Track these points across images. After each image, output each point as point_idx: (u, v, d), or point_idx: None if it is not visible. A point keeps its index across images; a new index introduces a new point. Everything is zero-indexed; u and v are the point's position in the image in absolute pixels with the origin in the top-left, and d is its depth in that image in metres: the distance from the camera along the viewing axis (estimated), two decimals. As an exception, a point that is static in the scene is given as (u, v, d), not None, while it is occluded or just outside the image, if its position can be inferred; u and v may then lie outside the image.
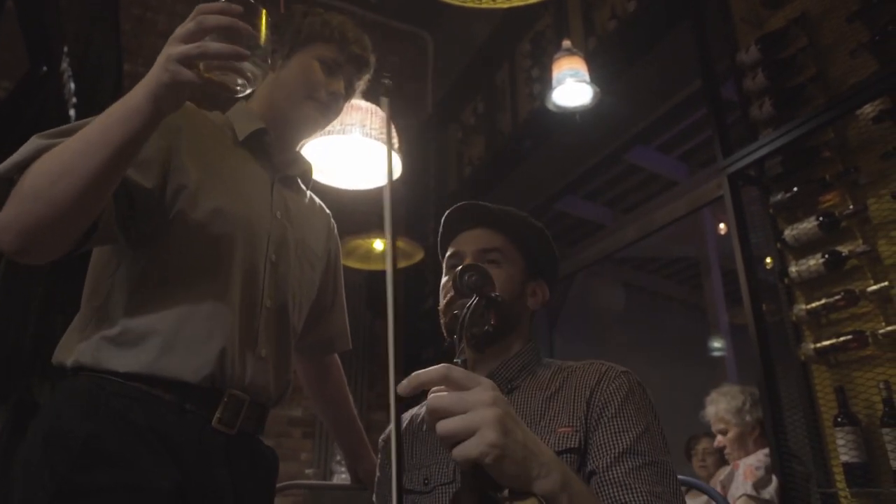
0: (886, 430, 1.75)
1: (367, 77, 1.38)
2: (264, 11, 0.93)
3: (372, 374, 4.64)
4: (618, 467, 0.85)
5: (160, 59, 0.89)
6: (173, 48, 0.87)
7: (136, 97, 0.91)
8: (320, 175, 2.28)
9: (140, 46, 4.68)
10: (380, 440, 1.18)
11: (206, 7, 0.89)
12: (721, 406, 2.61)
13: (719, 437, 2.60)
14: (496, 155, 4.18)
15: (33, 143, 0.97)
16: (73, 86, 2.66)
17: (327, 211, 1.47)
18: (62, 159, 0.91)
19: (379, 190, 2.40)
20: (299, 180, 1.37)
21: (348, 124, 2.29)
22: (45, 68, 2.35)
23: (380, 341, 4.73)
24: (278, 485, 1.79)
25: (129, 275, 1.06)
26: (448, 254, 1.13)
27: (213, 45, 0.86)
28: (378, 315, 4.73)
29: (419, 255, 3.75)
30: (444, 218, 1.15)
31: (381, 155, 2.31)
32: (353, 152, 2.33)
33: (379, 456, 1.18)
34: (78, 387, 1.02)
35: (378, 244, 3.52)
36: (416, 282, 4.70)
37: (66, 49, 2.53)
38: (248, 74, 0.90)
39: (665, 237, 4.91)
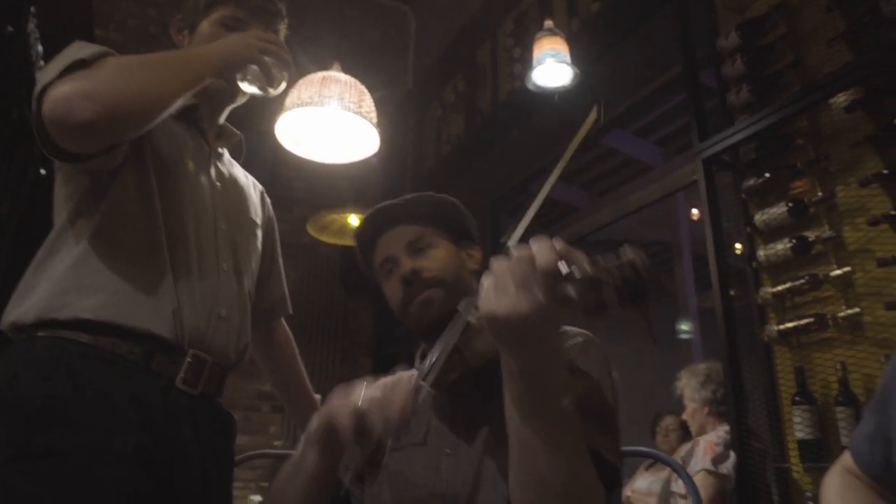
0: (840, 408, 1.82)
1: (283, 27, 1.40)
2: None
3: (345, 350, 4.65)
4: None
5: (241, 39, 1.17)
6: (255, 41, 1.16)
7: (210, 54, 1.15)
8: (296, 147, 2.26)
9: (112, 11, 4.56)
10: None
11: (267, 37, 1.21)
12: (686, 383, 2.70)
13: (684, 414, 2.68)
14: (475, 134, 4.17)
15: (89, 45, 1.05)
16: (40, 48, 2.59)
17: (259, 185, 1.49)
18: (147, 67, 1.06)
19: (355, 165, 2.39)
20: (230, 153, 1.40)
21: (326, 96, 2.27)
22: (10, 28, 2.28)
23: (353, 317, 4.73)
24: (245, 454, 1.81)
25: (88, 231, 1.08)
26: (379, 262, 1.13)
27: (285, 54, 1.20)
28: (352, 291, 4.73)
29: (394, 232, 3.73)
30: (360, 231, 1.17)
31: (359, 128, 2.29)
32: (329, 125, 2.31)
33: None
34: (36, 349, 1.01)
35: (353, 219, 3.49)
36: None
37: (32, 10, 2.46)
38: (284, 80, 1.23)
39: (639, 221, 4.96)
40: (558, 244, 0.66)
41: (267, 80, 1.19)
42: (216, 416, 1.18)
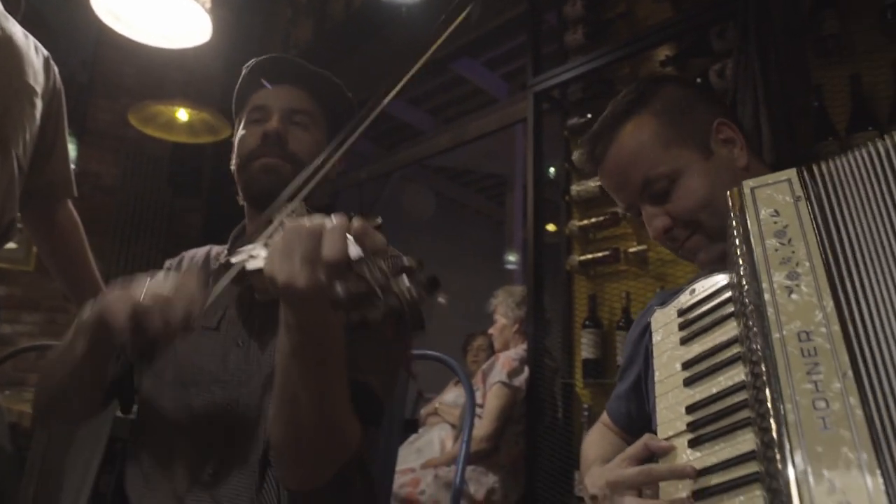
0: (620, 332, 2.06)
1: None
2: None
3: (168, 253, 4.37)
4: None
5: None
6: None
7: None
8: (115, 23, 2.04)
9: None
10: (167, 262, 1.17)
11: None
12: (502, 301, 2.89)
13: (492, 328, 2.89)
14: (323, 42, 4.00)
15: None
16: None
17: (45, 51, 1.33)
18: None
19: (192, 57, 2.21)
20: (4, 6, 1.23)
21: (154, -32, 2.05)
22: None
23: (180, 218, 4.48)
24: (22, 346, 1.69)
25: None
26: (252, 107, 1.08)
27: None
28: (181, 191, 4.45)
29: (227, 132, 3.54)
30: (250, 67, 1.10)
31: (189, 12, 2.11)
32: (155, 3, 2.10)
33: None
34: None
35: (182, 113, 3.25)
36: (224, 159, 4.46)
37: None
38: None
39: (482, 153, 5.10)
40: (371, 239, 0.60)
41: None
42: None
